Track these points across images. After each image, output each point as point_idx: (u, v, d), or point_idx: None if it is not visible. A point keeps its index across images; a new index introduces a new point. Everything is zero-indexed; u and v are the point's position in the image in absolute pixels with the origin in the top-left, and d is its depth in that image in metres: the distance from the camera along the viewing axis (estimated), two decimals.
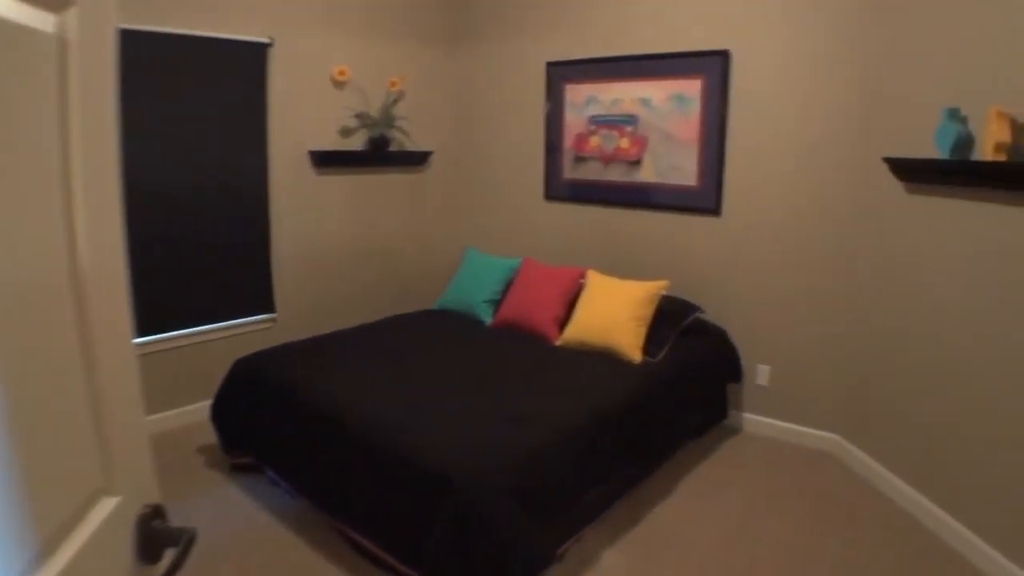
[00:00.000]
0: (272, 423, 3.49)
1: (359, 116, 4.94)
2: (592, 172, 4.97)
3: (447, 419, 3.06)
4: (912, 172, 3.55)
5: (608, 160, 4.87)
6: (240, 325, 4.57)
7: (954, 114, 3.16)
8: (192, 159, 4.22)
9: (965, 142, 3.13)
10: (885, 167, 3.68)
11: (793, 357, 4.33)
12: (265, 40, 4.38)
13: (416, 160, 5.42)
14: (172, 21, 3.98)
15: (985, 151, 2.93)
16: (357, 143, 5.02)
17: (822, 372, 4.24)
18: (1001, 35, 3.03)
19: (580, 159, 5.01)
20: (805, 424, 4.35)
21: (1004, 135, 2.86)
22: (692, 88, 4.44)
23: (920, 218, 3.54)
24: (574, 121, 5.01)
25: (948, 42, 3.34)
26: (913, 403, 3.62)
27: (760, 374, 4.46)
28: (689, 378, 3.98)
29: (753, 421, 4.53)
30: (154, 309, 4.15)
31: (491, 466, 2.69)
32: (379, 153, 5.08)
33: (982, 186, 3.13)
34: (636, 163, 4.74)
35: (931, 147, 3.28)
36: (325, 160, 4.80)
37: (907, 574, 3.07)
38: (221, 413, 3.77)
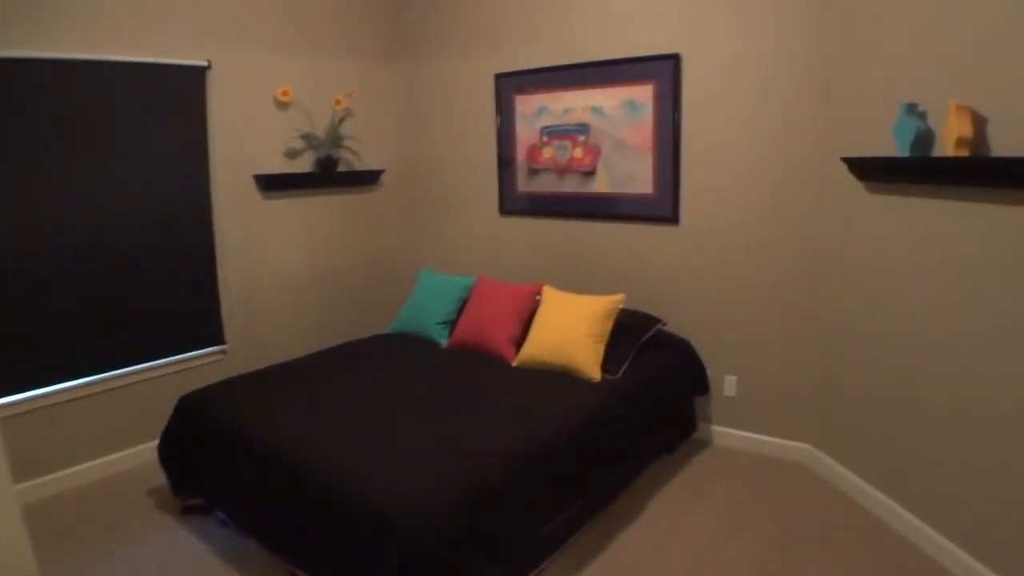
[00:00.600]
0: (218, 462, 3.34)
1: (305, 137, 4.77)
2: (546, 184, 4.83)
3: (394, 453, 2.88)
4: (872, 171, 3.46)
5: (562, 171, 4.73)
6: (190, 359, 4.38)
7: (912, 109, 3.07)
8: (129, 189, 4.04)
9: (925, 138, 3.04)
10: (845, 167, 3.59)
11: (760, 366, 4.20)
12: (203, 63, 4.21)
13: (366, 180, 5.26)
14: (103, 47, 3.82)
15: (947, 146, 2.83)
16: (304, 165, 4.85)
17: (790, 380, 4.12)
18: (956, 27, 2.95)
19: (534, 171, 4.88)
20: (775, 434, 4.22)
21: (966, 129, 2.76)
22: (643, 94, 4.32)
23: (882, 218, 3.45)
24: (526, 133, 4.87)
25: (903, 36, 3.26)
26: (881, 408, 3.53)
27: (728, 385, 4.32)
28: (652, 394, 3.83)
29: (723, 433, 4.39)
30: (94, 348, 3.97)
31: (438, 505, 2.51)
32: (327, 174, 4.91)
33: (945, 183, 3.04)
34: (591, 173, 4.60)
35: (890, 144, 3.18)
36: (271, 183, 4.63)
37: None
38: (168, 453, 3.60)
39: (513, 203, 5.04)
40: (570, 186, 4.72)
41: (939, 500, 3.15)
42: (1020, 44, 2.65)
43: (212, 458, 3.38)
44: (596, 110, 4.52)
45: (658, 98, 4.28)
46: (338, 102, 4.90)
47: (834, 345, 3.87)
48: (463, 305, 4.48)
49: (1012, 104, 2.68)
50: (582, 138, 4.60)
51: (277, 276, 4.76)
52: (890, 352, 3.46)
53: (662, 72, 4.24)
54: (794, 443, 4.16)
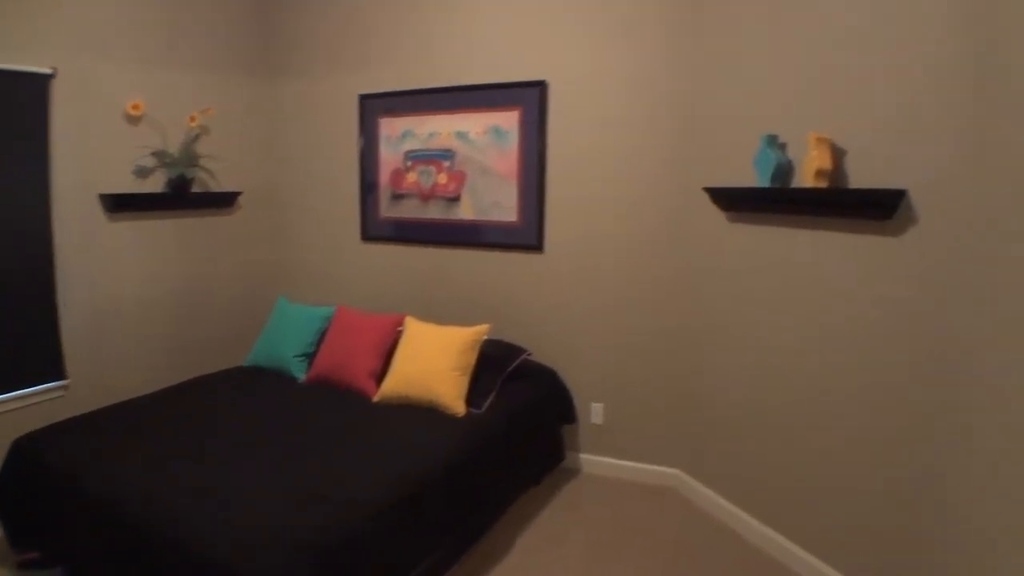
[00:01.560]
0: (56, 512, 2.98)
1: (157, 154, 4.44)
2: (410, 210, 4.69)
3: (245, 501, 2.63)
4: (732, 201, 3.53)
5: (426, 197, 4.61)
6: (26, 396, 3.97)
7: (773, 140, 3.16)
8: None
9: (785, 169, 3.13)
10: (707, 197, 3.63)
11: (626, 393, 4.20)
12: (46, 71, 3.84)
13: (222, 202, 4.96)
14: None
15: (806, 177, 2.91)
16: (156, 184, 4.52)
17: (656, 406, 4.13)
18: (816, 61, 3.05)
19: (397, 196, 4.73)
20: (644, 460, 4.22)
21: (825, 161, 2.85)
22: (509, 120, 4.27)
23: (743, 246, 3.53)
24: (390, 156, 4.73)
25: (764, 69, 3.35)
26: (745, 432, 3.59)
27: (594, 413, 4.30)
28: (519, 425, 3.74)
29: (591, 461, 4.35)
30: None
31: (291, 557, 2.31)
32: (180, 195, 4.59)
33: (804, 213, 3.12)
34: (455, 199, 4.51)
35: (752, 174, 3.25)
36: (119, 204, 4.25)
37: None
38: (2, 501, 3.21)
39: (376, 229, 4.87)
40: (434, 212, 4.60)
41: (800, 519, 3.26)
42: (875, 79, 2.76)
43: (49, 508, 3.01)
44: (461, 135, 4.43)
45: (524, 125, 4.24)
46: (193, 119, 4.61)
47: (697, 371, 3.92)
48: (322, 336, 4.26)
49: (868, 136, 2.79)
50: (447, 163, 4.50)
51: (124, 304, 4.38)
52: (750, 376, 3.53)
53: (528, 99, 4.21)
54: (663, 468, 4.17)
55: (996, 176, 2.20)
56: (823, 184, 2.87)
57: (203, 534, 2.43)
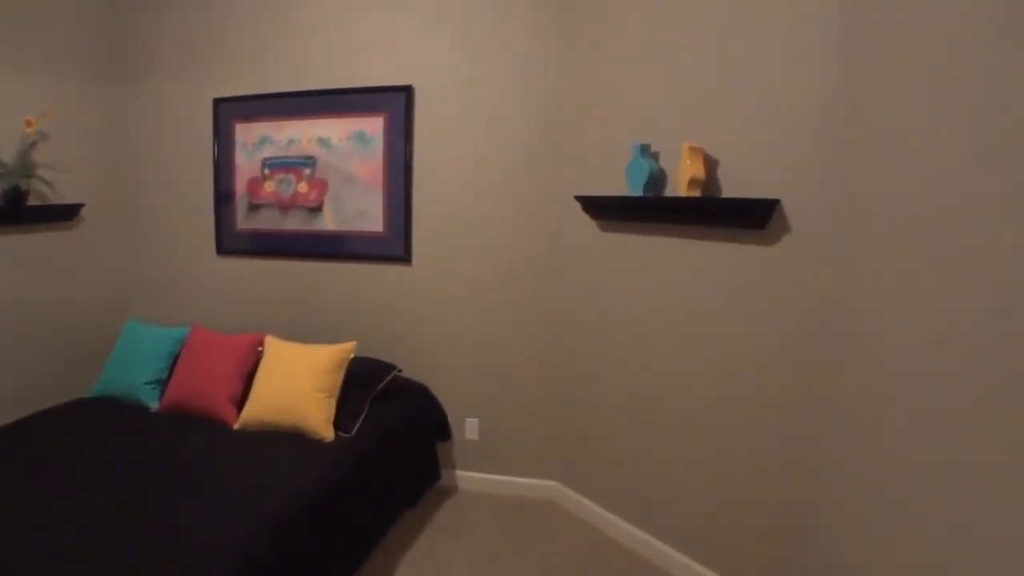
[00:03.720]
0: None
1: None
2: (269, 221, 4.42)
3: (90, 557, 2.31)
4: (604, 210, 3.53)
5: (286, 207, 4.36)
6: None
7: (645, 150, 3.17)
8: None
9: (658, 178, 3.13)
10: (579, 206, 3.59)
11: (501, 407, 4.11)
12: None
13: (62, 215, 4.50)
14: None
15: (680, 187, 2.92)
16: None
17: (531, 419, 4.07)
18: (687, 72, 3.07)
19: (255, 207, 4.44)
20: (522, 474, 4.15)
21: (698, 171, 2.88)
22: (374, 126, 4.09)
23: (615, 255, 3.53)
24: (246, 165, 4.44)
25: (636, 79, 3.35)
26: (619, 440, 3.60)
27: (469, 428, 4.18)
28: (392, 447, 3.57)
29: (469, 478, 4.23)
30: None
31: None
32: (14, 209, 4.15)
33: (677, 222, 3.14)
34: (317, 209, 4.28)
35: (624, 183, 3.25)
36: None
37: None
38: None
39: (232, 242, 4.56)
40: (295, 223, 4.35)
41: (681, 522, 3.29)
42: (747, 91, 2.81)
43: None
44: (323, 142, 4.21)
45: (389, 131, 4.08)
46: (29, 124, 4.16)
47: (571, 381, 3.89)
48: (176, 360, 3.94)
49: (741, 147, 2.84)
50: (307, 171, 4.27)
51: None
52: (623, 386, 3.54)
53: (394, 104, 4.05)
54: (541, 481, 4.11)
55: (865, 187, 2.25)
56: (696, 193, 2.89)
57: None
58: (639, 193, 3.13)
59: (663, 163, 3.14)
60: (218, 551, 2.41)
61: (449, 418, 4.18)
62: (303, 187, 4.29)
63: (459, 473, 4.25)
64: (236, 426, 3.54)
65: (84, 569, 2.26)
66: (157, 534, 2.48)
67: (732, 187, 2.86)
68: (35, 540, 2.42)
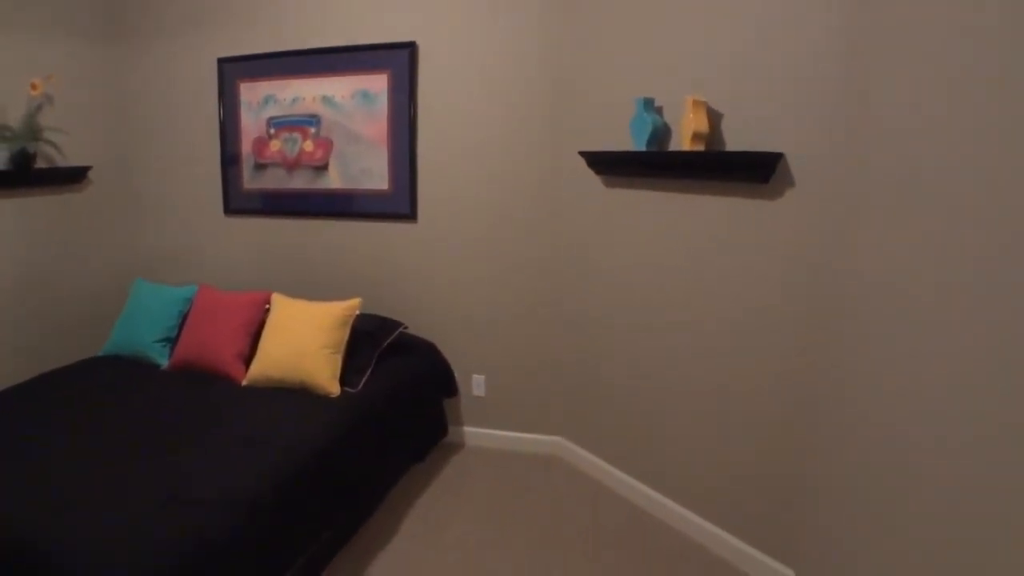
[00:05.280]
0: None
1: None
2: (275, 180, 4.43)
3: (100, 507, 2.38)
4: (609, 165, 3.51)
5: (292, 166, 4.36)
6: None
7: (649, 104, 3.15)
8: None
9: (661, 132, 3.11)
10: (583, 161, 3.57)
11: (506, 364, 4.15)
12: None
13: (70, 177, 4.53)
14: None
15: (683, 141, 2.89)
16: None
17: (537, 375, 4.10)
18: (691, 24, 3.02)
19: (260, 166, 4.45)
20: (527, 430, 4.19)
21: (702, 124, 2.85)
22: (378, 83, 4.08)
23: (619, 212, 3.52)
24: (251, 124, 4.43)
25: (639, 31, 3.31)
26: (619, 396, 3.64)
27: (476, 385, 4.22)
28: (398, 402, 3.61)
29: (475, 434, 4.29)
30: None
31: (149, 568, 2.13)
32: (22, 172, 4.19)
33: (681, 177, 3.12)
34: (323, 168, 4.28)
35: (628, 138, 3.22)
36: None
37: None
38: None
39: (239, 201, 4.58)
40: (300, 182, 4.36)
41: (683, 477, 3.33)
42: (752, 43, 2.77)
43: None
44: (328, 100, 4.20)
45: (393, 88, 4.06)
46: (34, 87, 4.18)
47: (575, 338, 3.91)
48: (184, 319, 3.98)
49: (745, 100, 2.81)
50: (312, 130, 4.26)
51: None
52: (626, 341, 3.56)
53: (397, 61, 4.03)
54: (546, 437, 4.16)
55: (868, 141, 2.23)
56: (700, 147, 2.87)
57: (60, 546, 2.18)
58: (643, 148, 3.10)
59: (667, 117, 3.11)
60: (223, 504, 2.46)
61: (456, 375, 4.21)
62: (308, 146, 4.29)
63: (466, 429, 4.30)
64: (244, 382, 3.59)
65: (97, 519, 2.32)
66: (165, 487, 2.53)
67: (736, 141, 2.84)
68: (47, 490, 2.48)
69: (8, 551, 2.25)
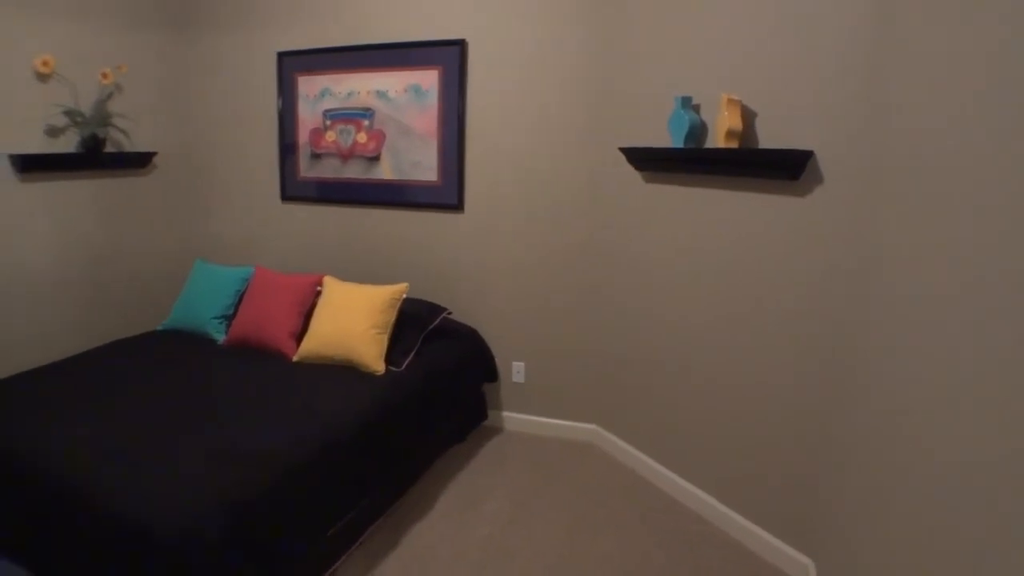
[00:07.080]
0: None
1: (68, 113, 4.29)
2: (330, 170, 4.63)
3: (160, 461, 2.60)
4: (648, 161, 3.58)
5: (346, 156, 4.56)
6: None
7: (686, 102, 3.22)
8: None
9: (698, 130, 3.19)
10: (623, 157, 3.67)
11: (546, 352, 4.27)
12: None
13: (136, 162, 4.80)
14: None
15: (718, 138, 2.97)
16: (67, 144, 4.37)
17: (575, 364, 4.21)
18: (729, 24, 3.09)
19: (316, 156, 4.66)
20: (564, 417, 4.32)
21: (736, 122, 2.91)
22: (429, 79, 4.24)
23: (658, 206, 3.59)
24: (308, 115, 4.64)
25: (679, 31, 3.38)
26: (656, 386, 3.71)
27: (516, 371, 4.36)
28: (439, 384, 3.77)
29: (513, 419, 4.43)
30: None
31: (204, 514, 2.29)
32: (93, 155, 4.45)
33: (716, 173, 3.19)
34: (375, 159, 4.46)
35: (667, 135, 3.31)
36: (29, 164, 4.06)
37: (676, 564, 3.06)
38: None
39: (295, 189, 4.79)
40: (354, 172, 4.56)
41: (715, 468, 3.40)
42: (785, 43, 2.83)
43: None
44: (381, 94, 4.39)
45: (444, 84, 4.21)
46: (105, 76, 4.44)
47: (613, 329, 4.00)
48: (241, 298, 4.20)
49: (778, 99, 2.87)
50: (366, 122, 4.45)
51: (36, 268, 4.20)
52: (663, 332, 3.63)
53: (448, 58, 4.18)
54: (581, 424, 4.28)
55: (896, 140, 2.26)
56: (734, 144, 2.94)
57: (117, 494, 2.41)
58: (680, 145, 3.20)
59: (704, 115, 3.20)
60: (271, 462, 2.66)
61: (497, 361, 4.35)
62: (362, 137, 4.48)
63: (505, 414, 4.45)
64: (295, 358, 3.79)
65: (154, 470, 2.55)
66: (218, 446, 2.75)
67: (769, 138, 2.91)
68: (112, 452, 2.69)
69: (67, 497, 2.50)
